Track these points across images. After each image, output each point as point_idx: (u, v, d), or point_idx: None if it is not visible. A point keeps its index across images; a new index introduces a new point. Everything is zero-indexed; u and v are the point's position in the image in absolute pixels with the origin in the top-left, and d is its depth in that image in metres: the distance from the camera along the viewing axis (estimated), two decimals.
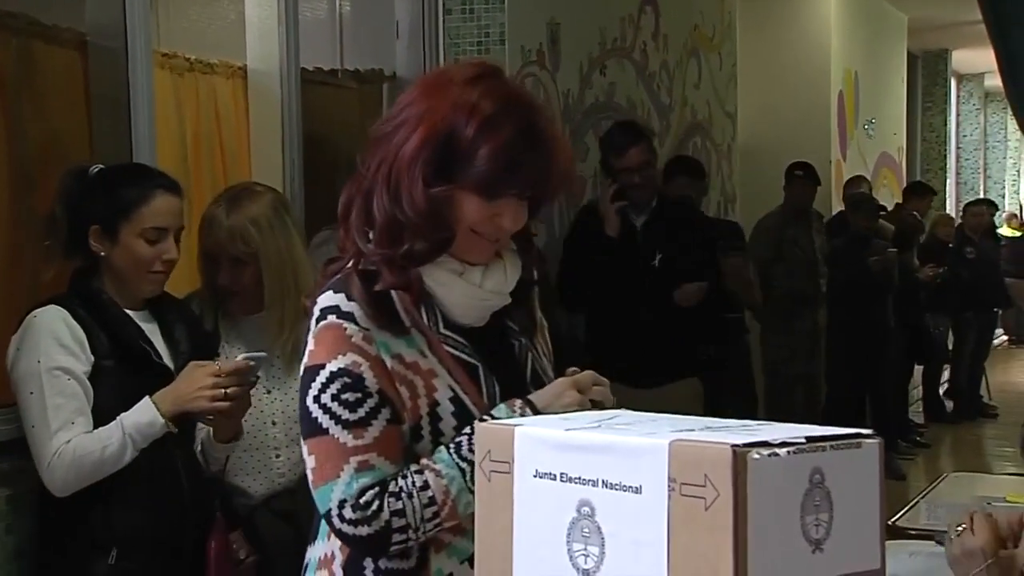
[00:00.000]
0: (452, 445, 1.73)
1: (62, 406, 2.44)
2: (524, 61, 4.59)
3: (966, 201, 11.88)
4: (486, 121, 1.70)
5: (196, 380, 2.48)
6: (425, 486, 1.70)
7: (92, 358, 2.49)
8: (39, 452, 2.45)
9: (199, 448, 2.66)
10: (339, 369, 1.70)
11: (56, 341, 2.46)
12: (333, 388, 1.70)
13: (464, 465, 1.70)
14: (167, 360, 2.58)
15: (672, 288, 4.25)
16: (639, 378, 3.91)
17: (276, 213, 2.83)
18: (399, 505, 1.69)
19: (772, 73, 8.09)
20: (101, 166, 2.63)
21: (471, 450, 1.67)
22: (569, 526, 1.21)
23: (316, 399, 1.71)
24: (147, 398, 2.46)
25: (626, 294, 4.26)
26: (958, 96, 15.16)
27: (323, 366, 1.71)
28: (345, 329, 1.71)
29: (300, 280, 2.76)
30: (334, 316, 1.72)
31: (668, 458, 1.13)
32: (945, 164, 13.64)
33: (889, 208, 8.69)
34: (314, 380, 1.72)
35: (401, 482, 1.70)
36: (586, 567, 1.20)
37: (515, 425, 1.29)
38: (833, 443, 1.15)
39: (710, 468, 1.10)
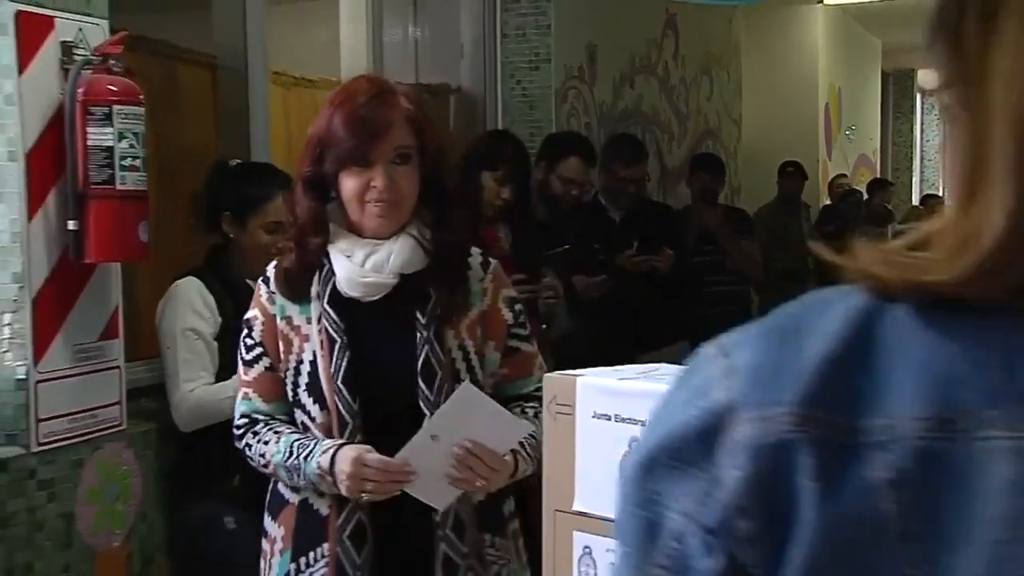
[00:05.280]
0: (307, 445, 1.77)
1: (191, 361, 2.49)
2: (567, 76, 4.59)
3: (925, 194, 11.65)
4: (344, 100, 1.74)
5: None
6: (264, 443, 1.82)
7: (220, 320, 2.52)
8: (171, 396, 2.50)
9: None
10: (247, 319, 1.86)
11: (190, 307, 2.50)
12: (243, 332, 1.86)
13: (293, 460, 1.76)
14: None
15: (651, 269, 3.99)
16: (633, 347, 3.78)
17: None
18: (252, 440, 1.84)
19: (770, 87, 8.01)
20: (239, 160, 2.66)
21: (303, 457, 1.75)
22: (622, 458, 1.23)
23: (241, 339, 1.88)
24: None
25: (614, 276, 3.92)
26: (923, 108, 14.91)
27: (246, 315, 1.88)
28: (260, 289, 1.85)
29: None
30: (261, 278, 1.86)
31: None
32: (911, 164, 13.46)
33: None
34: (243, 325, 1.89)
35: (263, 429, 1.83)
36: None
37: (577, 375, 1.31)
38: None
39: None
